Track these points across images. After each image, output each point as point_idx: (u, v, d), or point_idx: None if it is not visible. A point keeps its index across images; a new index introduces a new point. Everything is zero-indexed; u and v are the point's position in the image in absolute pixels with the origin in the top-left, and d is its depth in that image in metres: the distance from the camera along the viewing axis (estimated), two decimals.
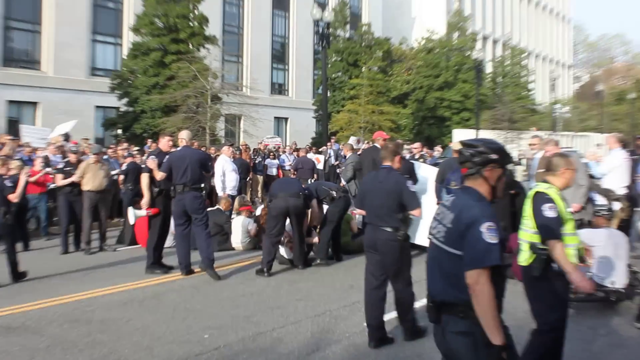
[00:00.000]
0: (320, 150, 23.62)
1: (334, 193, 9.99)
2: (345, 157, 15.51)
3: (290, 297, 7.88)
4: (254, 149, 22.12)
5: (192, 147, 9.86)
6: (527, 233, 4.85)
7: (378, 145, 11.49)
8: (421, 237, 10.18)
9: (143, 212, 9.45)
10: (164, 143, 9.63)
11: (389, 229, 5.90)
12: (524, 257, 4.84)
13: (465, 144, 3.44)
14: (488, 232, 3.12)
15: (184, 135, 9.39)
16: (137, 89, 26.60)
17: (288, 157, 22.89)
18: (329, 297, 7.85)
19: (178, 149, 9.58)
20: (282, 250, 9.95)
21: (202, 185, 9.06)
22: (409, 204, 5.97)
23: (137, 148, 17.75)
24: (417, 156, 14.10)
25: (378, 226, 5.95)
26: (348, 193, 10.71)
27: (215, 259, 10.56)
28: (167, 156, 9.26)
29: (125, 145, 18.84)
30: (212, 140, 23.05)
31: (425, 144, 30.03)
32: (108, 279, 9.02)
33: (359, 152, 23.21)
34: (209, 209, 11.54)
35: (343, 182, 13.41)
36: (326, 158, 22.14)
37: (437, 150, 24.73)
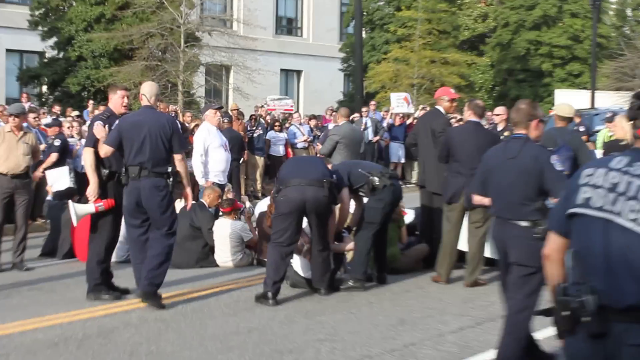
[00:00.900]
0: (352, 118, 23.64)
1: (376, 179, 9.91)
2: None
3: (308, 336, 7.87)
4: (252, 116, 22.20)
5: (157, 109, 9.85)
6: None
7: (441, 110, 11.48)
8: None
9: (90, 207, 9.42)
10: (117, 101, 9.61)
11: (523, 224, 6.30)
12: None
13: None
14: None
15: (146, 90, 9.37)
16: (71, 24, 26.78)
17: (301, 128, 22.94)
18: (367, 336, 7.83)
19: (134, 112, 9.53)
20: (297, 265, 9.95)
21: (169, 169, 9.06)
22: (553, 188, 6.28)
23: (76, 113, 17.87)
24: (500, 128, 14.06)
25: (507, 220, 6.40)
26: (397, 180, 10.69)
27: (196, 279, 10.67)
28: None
29: (57, 108, 19.02)
30: (187, 103, 23.24)
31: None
32: (30, 309, 9.01)
33: (410, 121, 23.42)
34: (183, 205, 11.59)
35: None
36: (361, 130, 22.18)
37: None
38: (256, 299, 9.24)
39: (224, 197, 12.55)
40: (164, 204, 8.98)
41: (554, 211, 3.82)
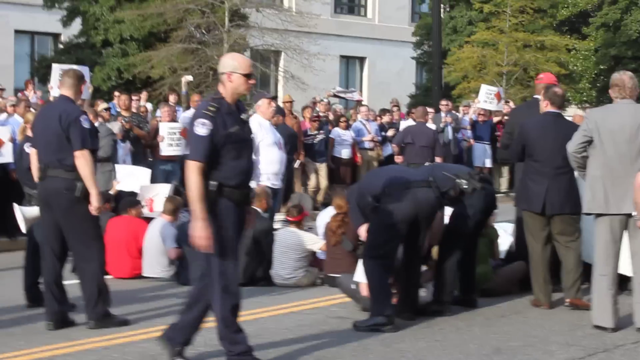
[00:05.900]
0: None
1: (464, 182, 9.94)
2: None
3: None
4: (314, 116, 21.65)
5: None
6: None
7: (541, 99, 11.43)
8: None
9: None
10: None
11: None
12: None
13: None
14: None
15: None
16: (95, 3, 26.95)
17: (367, 125, 22.82)
18: None
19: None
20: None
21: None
22: None
23: (104, 106, 18.15)
24: None
25: None
26: (489, 183, 10.75)
27: (250, 300, 10.68)
28: None
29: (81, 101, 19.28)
30: None
31: None
32: (58, 332, 9.27)
33: (498, 119, 23.31)
34: None
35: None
36: (438, 130, 22.17)
37: None
38: (363, 329, 9.30)
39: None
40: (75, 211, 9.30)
41: None
